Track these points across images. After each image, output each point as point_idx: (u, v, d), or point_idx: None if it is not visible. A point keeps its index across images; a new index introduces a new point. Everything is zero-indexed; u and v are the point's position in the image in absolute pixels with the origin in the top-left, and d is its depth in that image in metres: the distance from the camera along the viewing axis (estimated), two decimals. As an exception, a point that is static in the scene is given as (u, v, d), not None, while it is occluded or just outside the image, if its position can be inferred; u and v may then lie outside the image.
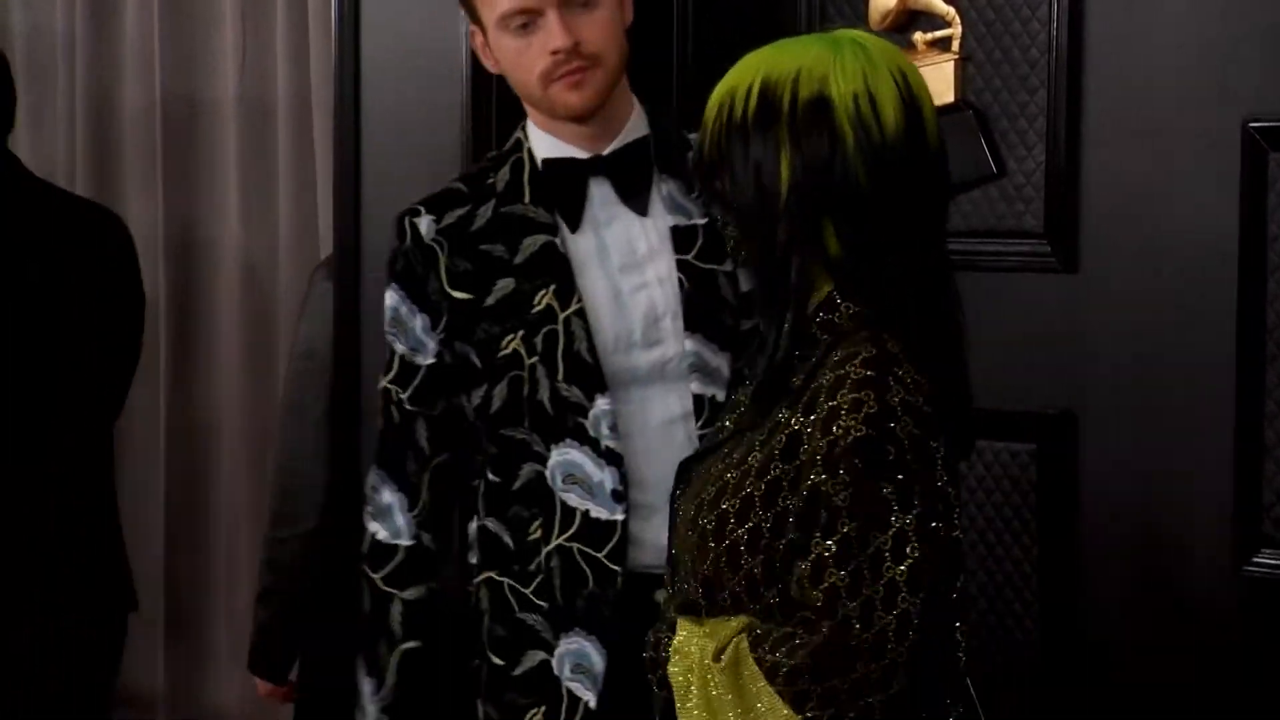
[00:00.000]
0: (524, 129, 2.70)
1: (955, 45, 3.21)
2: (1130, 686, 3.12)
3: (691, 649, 2.14)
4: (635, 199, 2.65)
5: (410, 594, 2.71)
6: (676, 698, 2.14)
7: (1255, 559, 3.03)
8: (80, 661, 3.73)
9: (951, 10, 3.21)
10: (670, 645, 2.17)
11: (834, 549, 2.01)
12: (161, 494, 4.51)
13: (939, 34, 3.22)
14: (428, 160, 3.20)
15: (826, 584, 2.01)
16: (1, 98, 3.81)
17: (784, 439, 2.07)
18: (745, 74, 2.15)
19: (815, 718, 2.03)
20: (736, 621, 2.11)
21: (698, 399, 2.60)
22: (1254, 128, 2.99)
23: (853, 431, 2.00)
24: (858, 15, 3.28)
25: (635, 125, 2.67)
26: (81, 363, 3.65)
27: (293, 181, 4.20)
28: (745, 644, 2.08)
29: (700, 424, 2.59)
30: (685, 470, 2.27)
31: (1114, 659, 3.14)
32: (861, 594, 2.00)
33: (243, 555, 4.37)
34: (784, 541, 2.06)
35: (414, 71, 3.27)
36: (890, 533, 2.00)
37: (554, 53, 2.55)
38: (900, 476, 2.01)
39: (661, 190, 2.66)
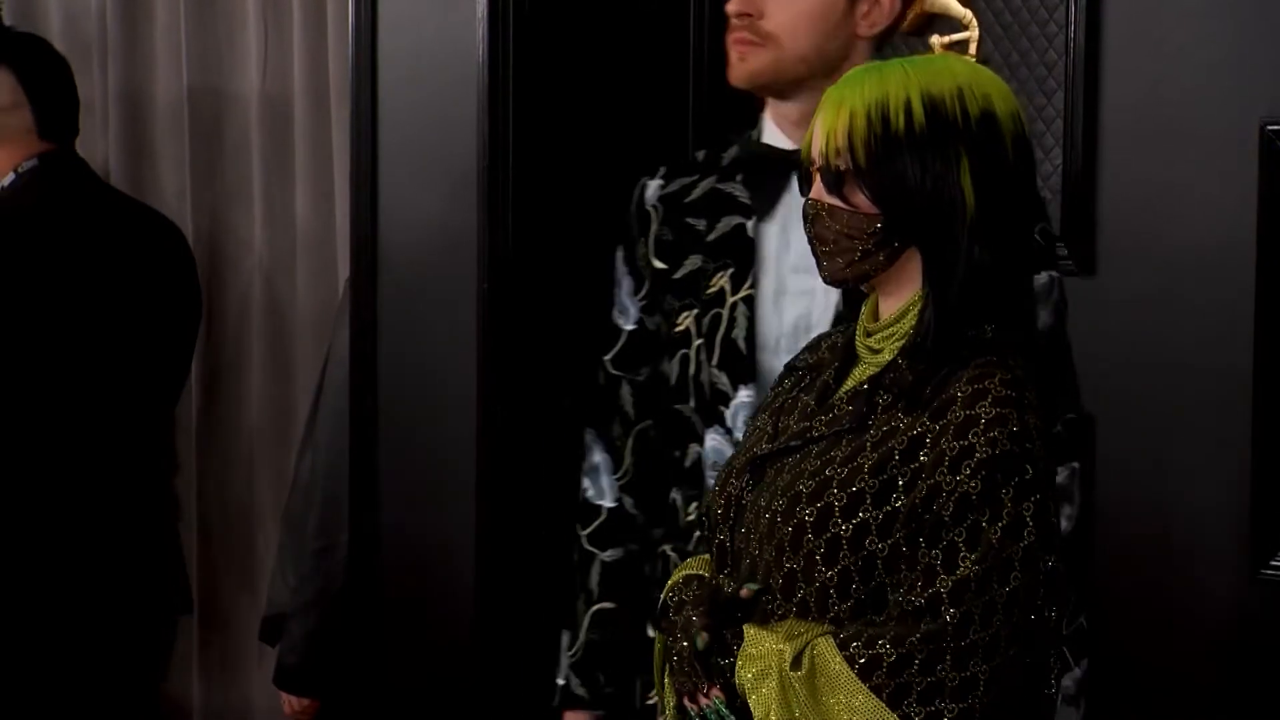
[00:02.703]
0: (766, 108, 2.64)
1: (972, 49, 3.21)
2: (1147, 690, 3.12)
3: (763, 650, 2.12)
4: None
5: (609, 555, 2.69)
6: (752, 705, 2.12)
7: (1273, 562, 3.03)
8: (127, 661, 3.75)
9: (969, 13, 3.21)
10: (740, 648, 2.14)
11: (970, 544, 2.04)
12: (193, 493, 4.52)
13: (956, 37, 3.22)
14: (443, 161, 3.21)
15: (957, 575, 2.04)
16: (66, 103, 3.83)
17: (905, 441, 2.10)
18: (888, 85, 2.13)
19: (913, 714, 2.03)
20: (810, 628, 2.11)
21: None
22: (1272, 130, 2.98)
23: (999, 444, 2.05)
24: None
25: None
26: (138, 365, 3.69)
27: (309, 181, 4.20)
28: (824, 647, 2.07)
29: None
30: (759, 466, 2.23)
31: (1130, 662, 3.14)
32: (987, 595, 2.04)
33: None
34: (890, 541, 2.08)
35: (430, 72, 3.27)
36: (1023, 545, 2.05)
37: (729, 12, 2.51)
38: (1037, 496, 2.06)
39: None
